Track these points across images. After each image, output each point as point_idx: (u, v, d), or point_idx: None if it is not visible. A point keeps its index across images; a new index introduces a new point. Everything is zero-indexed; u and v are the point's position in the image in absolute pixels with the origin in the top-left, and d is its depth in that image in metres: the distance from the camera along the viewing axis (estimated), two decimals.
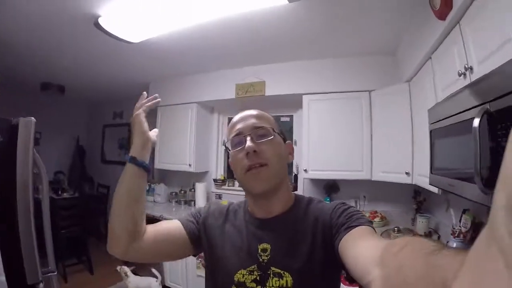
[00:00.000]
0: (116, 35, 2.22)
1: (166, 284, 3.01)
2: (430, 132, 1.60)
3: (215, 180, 3.56)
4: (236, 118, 0.83)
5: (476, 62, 1.12)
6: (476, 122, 0.95)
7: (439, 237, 2.14)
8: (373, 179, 2.55)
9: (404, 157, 2.26)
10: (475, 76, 1.13)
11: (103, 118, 4.91)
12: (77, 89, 3.90)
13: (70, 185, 4.17)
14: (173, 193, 3.68)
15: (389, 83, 2.48)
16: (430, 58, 1.68)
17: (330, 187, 2.94)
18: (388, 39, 2.28)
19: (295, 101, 2.96)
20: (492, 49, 0.99)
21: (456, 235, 1.66)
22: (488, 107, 0.94)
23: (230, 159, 0.81)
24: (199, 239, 0.83)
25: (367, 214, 2.52)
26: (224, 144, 0.83)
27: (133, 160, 0.79)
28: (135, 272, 2.95)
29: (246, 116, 0.81)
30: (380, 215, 2.56)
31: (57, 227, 3.22)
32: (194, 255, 0.88)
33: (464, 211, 1.71)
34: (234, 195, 3.46)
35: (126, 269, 2.88)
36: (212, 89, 3.24)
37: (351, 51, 2.59)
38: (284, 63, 2.90)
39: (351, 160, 2.61)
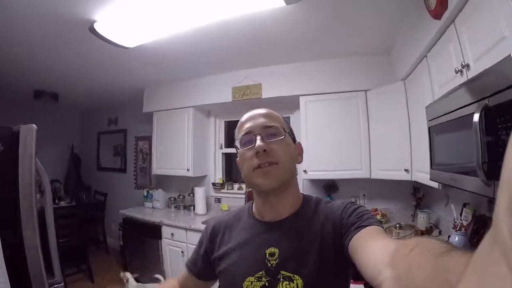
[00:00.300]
0: (112, 40, 2.22)
1: None
2: (429, 128, 1.64)
3: (214, 184, 3.57)
4: (245, 116, 0.82)
5: (472, 60, 1.16)
6: (476, 117, 0.99)
7: (440, 232, 2.19)
8: (372, 177, 2.59)
9: (402, 154, 2.30)
10: (472, 73, 1.17)
11: (97, 125, 4.90)
12: (71, 96, 3.88)
13: (66, 194, 4.15)
14: (172, 199, 3.68)
15: (384, 82, 2.53)
16: (426, 56, 1.73)
17: (330, 187, 2.98)
18: (382, 39, 2.33)
19: (292, 103, 2.99)
20: (487, 46, 1.03)
21: (458, 228, 1.70)
22: (487, 102, 0.98)
23: (238, 158, 0.80)
24: (211, 269, 0.84)
25: None
26: (235, 145, 0.82)
27: None
28: (138, 280, 2.94)
29: (256, 115, 0.80)
30: (380, 213, 2.61)
31: (56, 236, 3.19)
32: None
33: (464, 205, 1.76)
34: (233, 198, 3.49)
35: (128, 275, 2.86)
36: (208, 93, 3.27)
37: (346, 51, 2.64)
38: (280, 65, 2.94)
39: (349, 160, 2.66)
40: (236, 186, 3.55)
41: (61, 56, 2.63)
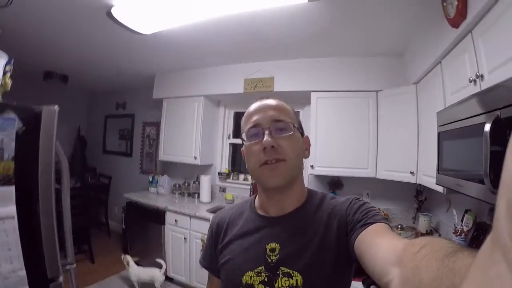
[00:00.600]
0: (129, 26, 2.26)
1: (168, 275, 3.09)
2: (439, 134, 1.70)
3: (219, 174, 3.66)
4: (253, 107, 0.79)
5: (487, 71, 1.21)
6: (487, 127, 1.04)
7: (439, 236, 2.26)
8: (377, 177, 2.66)
9: (409, 156, 2.36)
10: (485, 84, 1.23)
11: (105, 109, 4.96)
12: (80, 78, 3.94)
13: (72, 175, 4.23)
14: (177, 185, 3.78)
15: (395, 84, 2.58)
16: (440, 63, 1.77)
17: (334, 183, 3.05)
18: (396, 41, 2.37)
19: (303, 98, 3.05)
20: (503, 60, 1.08)
21: (458, 233, 1.77)
22: (499, 113, 1.03)
23: (244, 150, 0.79)
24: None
25: None
26: (241, 138, 0.80)
27: None
28: (138, 263, 3.04)
29: (265, 106, 0.77)
30: (382, 213, 2.67)
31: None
32: None
33: (466, 211, 1.83)
34: (238, 188, 3.58)
35: (129, 258, 2.95)
36: (220, 83, 3.32)
37: (360, 51, 2.68)
38: (294, 59, 2.99)
39: (356, 158, 2.72)
40: (241, 176, 3.63)
41: (75, 39, 2.67)
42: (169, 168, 3.93)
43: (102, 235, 4.40)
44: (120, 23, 2.20)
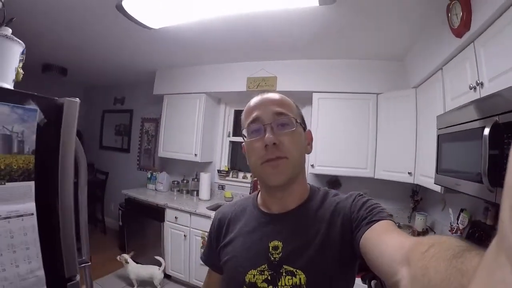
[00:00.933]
0: (139, 20, 2.31)
1: (167, 273, 3.14)
2: (438, 136, 1.82)
3: (219, 171, 3.75)
4: (254, 101, 0.78)
5: (487, 79, 1.34)
6: (486, 131, 1.17)
7: (435, 234, 2.40)
8: (375, 177, 2.79)
9: (407, 157, 2.51)
10: (485, 91, 1.35)
11: (103, 103, 4.97)
12: (79, 71, 3.96)
13: None
14: (175, 182, 3.84)
15: (395, 87, 2.73)
16: (441, 69, 1.91)
17: (333, 182, 3.18)
18: (398, 46, 2.50)
19: (304, 98, 3.14)
20: (503, 70, 1.21)
21: (454, 231, 1.91)
22: (497, 119, 1.15)
23: (245, 146, 0.79)
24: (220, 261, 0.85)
25: None
26: (242, 134, 0.80)
27: None
28: (135, 260, 3.07)
29: (266, 101, 0.76)
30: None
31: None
32: None
33: (461, 210, 1.97)
34: (237, 186, 3.68)
35: (126, 256, 2.98)
36: (223, 81, 3.40)
37: (362, 54, 2.80)
38: (297, 60, 3.09)
39: (356, 158, 2.85)
40: (241, 174, 3.73)
41: (78, 31, 2.69)
42: (168, 165, 3.99)
43: (98, 232, 4.42)
44: (131, 16, 2.24)
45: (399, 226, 2.50)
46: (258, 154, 0.72)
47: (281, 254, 0.71)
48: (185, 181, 3.81)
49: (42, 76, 3.77)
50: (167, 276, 3.16)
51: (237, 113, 3.88)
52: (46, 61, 3.61)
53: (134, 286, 2.95)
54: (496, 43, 1.27)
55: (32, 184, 1.20)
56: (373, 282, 1.89)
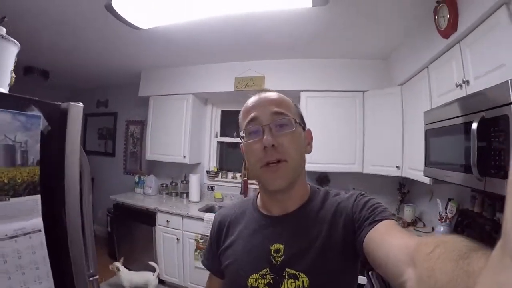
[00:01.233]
0: (128, 20, 2.29)
1: (161, 278, 3.13)
2: (426, 131, 1.96)
3: (208, 172, 3.78)
4: (251, 101, 0.77)
5: (473, 77, 1.48)
6: (474, 125, 1.29)
7: (424, 224, 2.57)
8: (364, 172, 2.93)
9: (394, 152, 2.66)
10: (471, 89, 1.49)
11: (85, 107, 4.74)
12: (61, 74, 3.84)
13: None
14: (164, 185, 3.84)
15: (381, 85, 2.88)
16: (427, 67, 2.05)
17: (322, 179, 3.30)
18: (384, 45, 2.63)
19: (292, 96, 3.21)
20: (488, 69, 1.35)
21: (443, 220, 2.06)
22: (484, 114, 1.28)
23: (243, 148, 0.77)
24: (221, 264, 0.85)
25: None
26: (238, 134, 0.79)
27: None
28: (126, 266, 3.05)
29: (264, 100, 0.76)
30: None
31: None
32: None
33: (449, 200, 2.13)
34: (227, 186, 3.73)
35: (117, 264, 2.96)
36: (210, 81, 3.43)
37: (349, 53, 2.93)
38: (284, 59, 3.18)
39: (344, 154, 2.98)
40: (230, 174, 3.78)
41: (61, 32, 2.62)
42: (155, 167, 3.97)
43: None
44: (120, 16, 2.22)
45: None
46: (257, 157, 0.71)
47: (283, 257, 0.71)
48: (173, 184, 3.82)
49: (25, 79, 3.65)
50: (161, 281, 3.15)
51: (224, 113, 3.93)
52: (28, 63, 3.49)
53: None
54: (481, 44, 1.40)
55: (38, 198, 1.14)
56: (371, 273, 2.01)
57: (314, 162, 3.01)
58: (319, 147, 2.98)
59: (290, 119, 0.73)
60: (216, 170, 3.78)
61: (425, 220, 2.62)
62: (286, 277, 0.69)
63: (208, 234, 2.72)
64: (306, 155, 0.79)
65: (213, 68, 3.40)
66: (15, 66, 1.46)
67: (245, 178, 3.54)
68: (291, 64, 3.17)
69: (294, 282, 0.68)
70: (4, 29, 1.26)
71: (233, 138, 3.82)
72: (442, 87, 1.83)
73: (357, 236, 0.66)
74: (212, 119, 3.91)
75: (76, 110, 1.35)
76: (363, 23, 2.23)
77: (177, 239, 3.09)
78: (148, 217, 3.24)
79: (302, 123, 0.79)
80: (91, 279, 1.39)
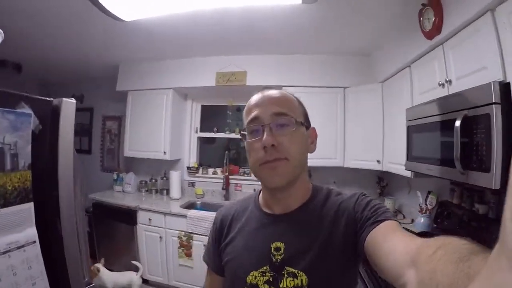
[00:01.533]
0: (112, 12, 2.21)
1: (144, 277, 3.09)
2: (408, 127, 2.08)
3: (188, 168, 3.76)
4: (254, 99, 0.78)
5: (455, 77, 1.59)
6: (458, 122, 1.40)
7: (404, 216, 2.72)
8: (345, 166, 3.05)
9: (375, 147, 2.78)
10: (453, 88, 1.60)
11: None
12: (35, 68, 3.63)
13: None
14: (143, 182, 3.78)
15: (362, 81, 2.99)
16: (410, 66, 2.16)
17: None
18: (366, 43, 2.74)
19: None
20: (470, 71, 1.45)
21: (423, 211, 2.21)
22: (467, 112, 1.39)
23: (246, 146, 0.78)
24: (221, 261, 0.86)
25: None
26: (240, 132, 0.80)
27: None
28: (108, 267, 2.98)
29: (266, 99, 0.76)
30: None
31: None
32: None
33: (429, 192, 2.27)
34: (208, 182, 3.73)
35: (98, 265, 2.89)
36: (191, 76, 3.40)
37: (331, 50, 3.02)
38: (267, 55, 3.22)
39: (326, 149, 3.07)
40: (211, 170, 3.78)
41: (35, 24, 2.50)
42: (133, 164, 3.89)
43: None
44: (103, 7, 2.15)
45: None
46: (257, 156, 0.72)
47: (283, 255, 0.72)
48: (153, 180, 3.77)
49: None
50: (144, 281, 3.12)
51: (204, 108, 3.91)
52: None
53: None
54: (464, 47, 1.50)
55: (31, 205, 1.05)
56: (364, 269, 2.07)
57: None
58: None
59: (290, 119, 0.73)
60: (196, 166, 3.77)
61: (404, 212, 2.78)
62: (285, 275, 0.70)
63: (192, 231, 2.67)
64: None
65: (195, 62, 3.37)
66: None
67: (227, 174, 3.56)
68: (274, 60, 3.21)
69: (293, 280, 0.69)
70: None
71: (213, 133, 3.82)
72: (424, 85, 1.94)
73: (359, 236, 0.66)
74: (192, 114, 3.88)
75: (69, 106, 1.27)
76: (349, 20, 2.30)
77: (160, 237, 3.07)
78: (129, 216, 3.18)
79: (306, 122, 0.79)
80: (88, 287, 1.37)
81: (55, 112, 1.21)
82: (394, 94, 2.50)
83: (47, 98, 1.21)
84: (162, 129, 3.45)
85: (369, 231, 0.63)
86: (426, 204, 2.25)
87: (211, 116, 3.94)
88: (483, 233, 1.67)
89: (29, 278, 1.00)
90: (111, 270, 2.93)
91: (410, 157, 2.08)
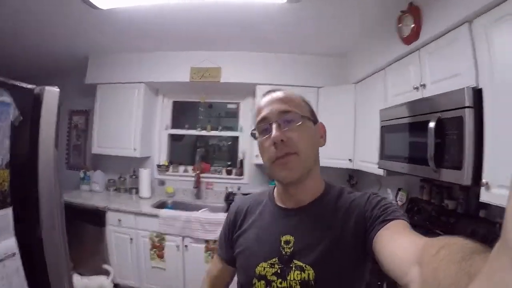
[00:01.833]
0: None
1: (115, 281, 2.95)
2: (382, 127, 2.20)
3: (158, 166, 3.67)
4: (262, 102, 0.83)
5: (430, 82, 1.71)
6: (432, 124, 1.51)
7: None
8: None
9: (346, 146, 2.90)
10: (427, 92, 1.72)
11: None
12: None
13: None
14: (111, 181, 3.64)
15: (336, 82, 3.10)
16: (384, 69, 2.28)
17: None
18: (341, 44, 2.86)
19: (245, 90, 3.37)
20: (444, 76, 1.58)
21: None
22: (440, 115, 1.51)
23: (258, 147, 0.82)
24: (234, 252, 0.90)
25: None
26: (251, 132, 0.84)
27: None
28: (76, 272, 2.84)
29: (273, 99, 0.80)
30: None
31: None
32: None
33: (399, 189, 2.43)
34: (179, 180, 3.68)
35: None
36: (164, 70, 3.32)
37: (305, 49, 3.11)
38: (241, 52, 3.23)
39: None
40: (181, 168, 3.72)
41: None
42: (101, 162, 3.70)
43: None
44: None
45: None
46: (269, 153, 0.76)
47: (292, 248, 0.75)
48: (122, 179, 3.63)
49: None
50: (115, 285, 2.99)
51: (176, 104, 3.84)
52: None
53: None
54: (440, 54, 1.63)
55: (9, 211, 0.94)
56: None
57: None
58: None
59: (295, 114, 0.76)
60: (166, 164, 3.69)
61: None
62: (293, 268, 0.72)
63: (165, 231, 2.63)
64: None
65: (169, 56, 3.30)
66: None
67: (198, 172, 3.53)
68: (249, 57, 3.24)
69: (300, 274, 0.71)
70: None
71: (185, 130, 3.76)
72: (399, 88, 2.06)
73: (368, 234, 0.68)
74: (163, 110, 3.79)
75: (52, 96, 1.18)
76: (328, 21, 2.38)
77: (130, 238, 2.96)
78: (97, 217, 3.03)
79: (312, 117, 0.83)
80: None
81: (37, 102, 1.12)
82: (367, 95, 2.63)
83: (28, 86, 1.11)
84: (133, 125, 3.34)
85: (377, 230, 0.65)
86: (396, 201, 2.40)
87: (182, 113, 3.88)
88: (452, 227, 1.81)
89: None
90: (80, 275, 2.79)
91: (383, 156, 2.19)
